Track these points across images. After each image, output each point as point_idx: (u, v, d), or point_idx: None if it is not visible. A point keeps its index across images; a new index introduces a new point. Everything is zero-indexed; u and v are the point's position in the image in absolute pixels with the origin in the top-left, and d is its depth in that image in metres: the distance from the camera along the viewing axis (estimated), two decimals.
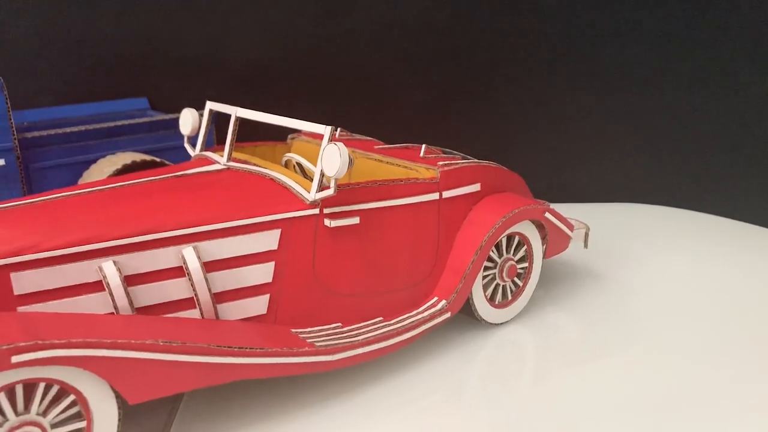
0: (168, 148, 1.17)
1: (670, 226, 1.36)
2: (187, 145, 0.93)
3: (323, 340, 0.72)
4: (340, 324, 0.77)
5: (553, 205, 0.97)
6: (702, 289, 1.06)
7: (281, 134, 1.01)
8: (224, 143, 0.84)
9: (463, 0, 1.38)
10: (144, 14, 1.38)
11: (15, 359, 0.50)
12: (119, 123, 1.11)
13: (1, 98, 0.98)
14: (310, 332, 0.74)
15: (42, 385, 0.54)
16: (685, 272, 1.12)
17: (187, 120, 0.91)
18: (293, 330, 0.73)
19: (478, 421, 0.72)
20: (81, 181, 1.08)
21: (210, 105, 0.90)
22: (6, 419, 0.53)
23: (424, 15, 1.39)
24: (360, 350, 0.73)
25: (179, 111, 1.29)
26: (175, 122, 1.18)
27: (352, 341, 0.73)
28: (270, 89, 1.44)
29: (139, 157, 1.07)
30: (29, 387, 0.53)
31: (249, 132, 0.95)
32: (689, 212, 1.43)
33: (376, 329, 0.77)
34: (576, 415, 0.73)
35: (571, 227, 0.97)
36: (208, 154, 0.86)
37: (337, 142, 0.69)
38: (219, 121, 1.01)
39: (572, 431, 0.71)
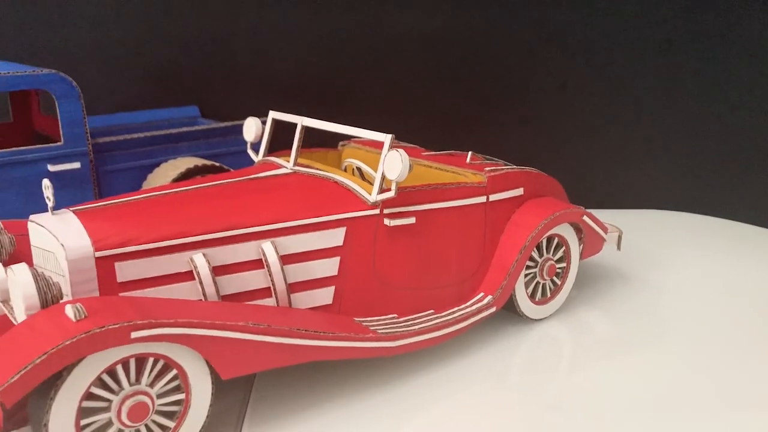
0: (223, 153, 1.25)
1: (701, 233, 1.40)
2: (250, 151, 1.00)
3: (383, 329, 0.79)
4: (395, 315, 0.84)
5: None
6: (732, 293, 1.10)
7: (328, 141, 1.08)
8: (282, 149, 0.92)
9: (497, 14, 1.45)
10: (194, 29, 1.47)
11: (134, 335, 0.57)
12: (181, 130, 1.19)
13: (78, 106, 1.07)
14: (370, 321, 0.81)
15: (151, 360, 0.61)
16: (715, 277, 1.17)
17: (251, 128, 0.98)
18: (356, 319, 0.80)
19: (521, 407, 0.79)
20: (145, 183, 1.16)
21: (272, 114, 0.98)
22: (122, 388, 0.60)
23: (458, 28, 1.46)
24: (416, 338, 0.80)
25: (227, 119, 1.39)
26: (229, 129, 1.26)
27: (408, 330, 0.80)
28: (311, 98, 1.52)
29: (199, 161, 1.15)
30: (140, 361, 0.61)
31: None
32: (720, 220, 1.47)
33: (428, 321, 0.84)
34: (607, 404, 0.79)
35: (605, 230, 1.04)
36: (272, 159, 0.94)
37: (398, 149, 0.76)
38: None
39: (603, 419, 0.76)
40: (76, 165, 1.06)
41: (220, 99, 1.51)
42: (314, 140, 1.04)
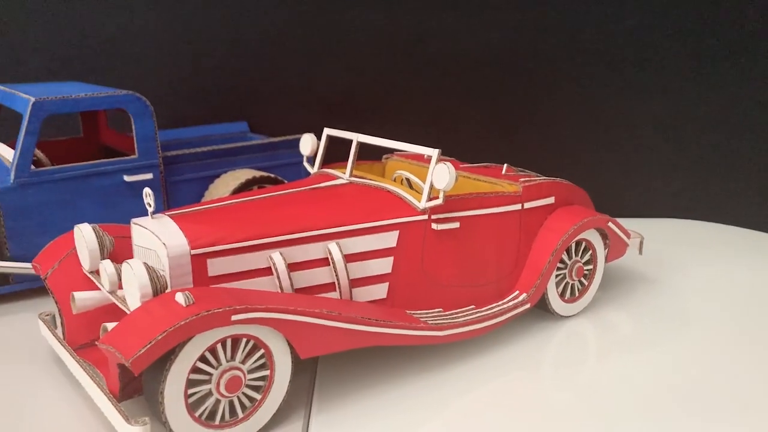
0: (275, 165, 1.36)
1: (719, 240, 1.48)
2: (306, 164, 1.11)
3: (430, 321, 0.90)
4: (441, 309, 0.94)
5: None
6: (748, 296, 1.17)
7: (365, 154, 1.18)
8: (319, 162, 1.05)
9: (520, 31, 1.55)
10: (243, 50, 1.59)
11: (233, 318, 0.68)
12: (239, 144, 1.31)
13: (151, 123, 1.19)
14: (419, 314, 0.91)
15: (244, 340, 0.72)
16: (732, 281, 1.24)
17: (307, 143, 1.10)
18: (407, 311, 0.90)
19: (551, 396, 0.87)
20: (207, 193, 1.28)
21: (327, 131, 1.09)
22: (220, 364, 0.71)
23: (486, 45, 1.56)
24: (460, 329, 0.91)
25: (275, 134, 1.50)
26: (281, 144, 1.37)
27: (453, 322, 0.91)
28: (350, 114, 1.63)
29: (257, 173, 1.27)
30: (235, 341, 0.72)
31: (338, 151, 1.14)
32: (739, 229, 1.55)
33: (470, 314, 0.94)
34: (629, 394, 0.87)
35: (628, 235, 1.14)
36: (329, 170, 1.05)
37: (446, 162, 0.87)
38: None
39: (626, 407, 0.84)
40: (149, 176, 1.18)
41: (267, 115, 1.63)
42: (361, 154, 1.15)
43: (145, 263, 0.73)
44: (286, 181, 1.29)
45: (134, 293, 0.72)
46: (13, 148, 1.18)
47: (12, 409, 0.82)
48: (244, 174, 1.26)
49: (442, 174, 0.87)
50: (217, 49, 1.59)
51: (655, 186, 1.62)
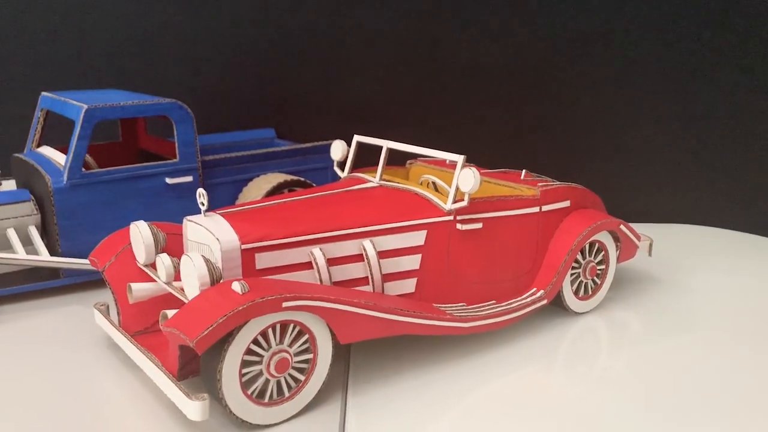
0: (303, 170, 1.44)
1: (726, 245, 1.53)
2: (336, 168, 1.19)
3: (456, 313, 0.97)
4: (464, 303, 1.02)
5: None
6: (756, 298, 1.21)
7: (393, 160, 1.25)
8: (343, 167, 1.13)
9: (535, 41, 1.63)
10: (269, 61, 1.67)
11: (284, 305, 0.76)
12: (270, 150, 1.39)
13: (192, 129, 1.27)
14: (444, 307, 0.99)
15: (291, 326, 0.80)
16: (739, 283, 1.29)
17: (338, 149, 1.17)
18: (434, 304, 0.98)
19: (565, 387, 0.93)
20: (241, 195, 1.36)
21: (357, 138, 1.17)
22: (270, 346, 0.79)
23: (503, 54, 1.64)
24: (482, 322, 0.98)
25: (299, 140, 1.58)
26: (309, 150, 1.45)
27: (476, 315, 0.98)
28: (370, 121, 1.71)
29: (288, 177, 1.34)
30: (283, 327, 0.79)
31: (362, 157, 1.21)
32: (746, 234, 1.60)
33: (491, 308, 1.02)
34: (639, 387, 0.92)
35: (638, 238, 1.21)
36: (358, 174, 1.13)
37: (471, 167, 0.95)
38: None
39: (635, 400, 0.89)
40: (189, 178, 1.26)
41: (291, 122, 1.71)
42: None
43: (203, 256, 0.81)
44: (314, 185, 1.37)
45: (194, 283, 0.79)
46: (62, 151, 1.27)
47: (72, 391, 0.89)
48: (275, 177, 1.34)
49: (467, 178, 0.94)
50: (246, 60, 1.67)
51: (664, 192, 1.69)
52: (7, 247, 1.17)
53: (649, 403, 0.89)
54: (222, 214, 0.90)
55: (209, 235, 0.85)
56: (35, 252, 1.17)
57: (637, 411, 0.87)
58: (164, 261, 0.87)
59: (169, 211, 1.24)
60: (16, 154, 1.35)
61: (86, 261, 1.15)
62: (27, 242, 1.19)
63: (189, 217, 0.90)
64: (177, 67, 1.65)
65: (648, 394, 0.91)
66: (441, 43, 1.65)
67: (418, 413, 0.85)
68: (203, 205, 0.88)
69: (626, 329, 1.12)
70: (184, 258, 0.81)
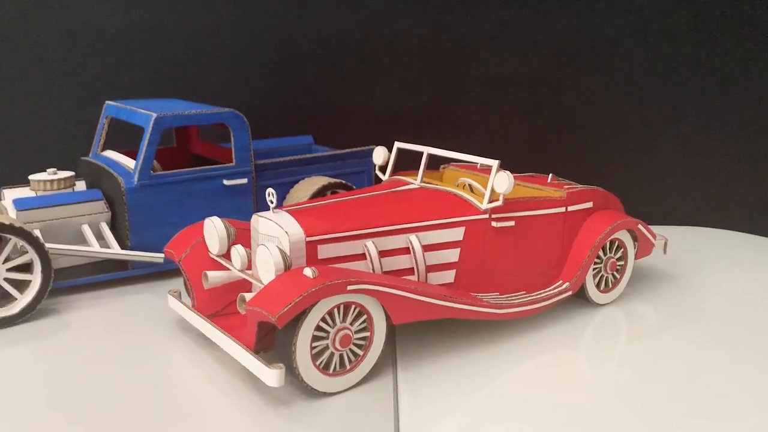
0: (343, 173, 1.56)
1: (740, 247, 1.62)
2: (378, 172, 1.31)
3: (491, 301, 1.09)
4: (498, 293, 1.13)
5: None
6: (765, 296, 1.29)
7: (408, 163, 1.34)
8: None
9: (559, 53, 1.74)
10: (308, 73, 1.79)
11: (349, 288, 0.88)
12: (315, 155, 1.51)
13: (247, 136, 1.39)
14: (480, 296, 1.10)
15: (353, 307, 0.92)
16: (752, 281, 1.37)
17: (379, 154, 1.29)
18: (471, 293, 1.10)
19: (587, 370, 1.02)
20: (288, 196, 1.48)
21: (398, 144, 1.29)
22: (335, 324, 0.91)
23: (530, 65, 1.75)
24: (515, 309, 1.09)
25: (338, 146, 1.70)
26: (348, 155, 1.57)
27: (509, 303, 1.10)
28: (400, 129, 1.83)
29: (331, 180, 1.46)
30: (346, 307, 0.91)
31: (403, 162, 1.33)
32: (761, 238, 1.68)
33: (522, 298, 1.13)
34: (654, 373, 1.01)
35: (654, 237, 1.32)
36: (400, 177, 1.25)
37: (505, 171, 1.07)
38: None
39: (651, 384, 0.97)
40: (244, 180, 1.39)
41: (331, 130, 1.83)
42: (416, 164, 1.34)
43: (277, 246, 0.93)
44: (354, 187, 1.49)
45: (269, 269, 0.91)
46: (127, 155, 1.40)
47: (152, 368, 1.02)
48: (319, 180, 1.46)
49: (503, 180, 1.06)
50: (284, 71, 1.80)
51: (679, 196, 1.78)
52: (82, 241, 1.30)
53: (663, 386, 0.98)
54: (288, 211, 1.02)
55: (278, 228, 0.97)
56: (107, 246, 1.30)
57: (652, 393, 0.96)
58: (239, 251, 0.99)
59: (226, 210, 1.36)
60: (84, 158, 1.48)
61: (154, 254, 1.28)
62: (98, 237, 1.31)
63: (259, 213, 1.02)
64: (218, 78, 1.78)
65: (662, 378, 1.00)
66: (468, 54, 1.76)
67: (459, 387, 0.96)
68: (272, 203, 1.00)
69: (643, 320, 1.22)
70: (260, 248, 0.93)
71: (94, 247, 1.27)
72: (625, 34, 1.70)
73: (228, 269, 1.04)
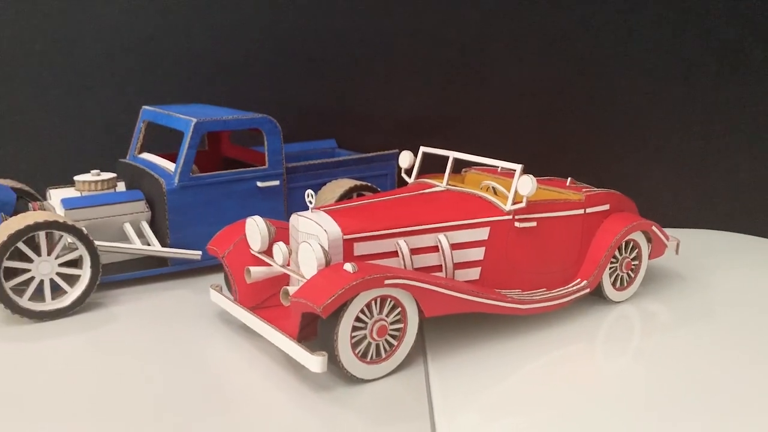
0: (367, 176, 1.63)
1: (751, 250, 1.68)
2: (404, 175, 1.38)
3: (515, 297, 1.16)
4: (520, 290, 1.20)
5: None
6: None
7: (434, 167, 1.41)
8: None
9: (577, 63, 1.81)
10: (331, 80, 1.87)
11: (386, 282, 0.95)
12: (342, 158, 1.59)
13: (279, 140, 1.47)
14: (504, 292, 1.17)
15: (388, 300, 0.99)
16: (759, 285, 1.43)
17: (405, 158, 1.36)
18: (495, 289, 1.17)
19: (602, 364, 1.08)
20: (316, 198, 1.55)
21: (423, 149, 1.36)
22: (372, 316, 0.98)
23: (547, 76, 1.82)
24: (537, 305, 1.16)
25: (360, 150, 1.77)
26: (372, 158, 1.64)
27: (531, 299, 1.17)
28: (419, 133, 1.90)
29: (357, 182, 1.54)
30: (382, 300, 0.98)
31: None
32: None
33: (543, 294, 1.20)
34: (666, 365, 1.07)
35: (667, 238, 1.38)
36: (425, 180, 1.32)
37: (528, 174, 1.13)
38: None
39: (663, 377, 1.03)
40: (276, 182, 1.46)
41: (353, 134, 1.91)
42: (436, 167, 1.41)
43: (319, 243, 1.00)
44: (379, 189, 1.56)
45: (312, 264, 0.99)
46: (165, 158, 1.47)
47: (197, 356, 1.09)
48: (346, 183, 1.53)
49: (526, 184, 1.13)
50: (308, 76, 1.87)
51: (691, 199, 1.85)
52: (124, 238, 1.38)
53: (674, 379, 1.03)
54: (325, 211, 1.09)
55: (317, 227, 1.04)
56: (147, 243, 1.38)
57: (663, 385, 1.01)
58: (281, 248, 1.07)
59: (258, 210, 1.43)
60: (122, 160, 1.56)
61: (192, 251, 1.36)
62: (139, 235, 1.39)
63: (298, 213, 1.10)
64: (244, 84, 1.85)
65: (674, 371, 1.06)
66: (487, 62, 1.84)
67: (485, 376, 1.03)
68: (311, 203, 1.07)
69: (655, 317, 1.28)
70: (303, 245, 1.00)
71: (137, 245, 1.34)
72: (642, 38, 1.77)
73: (268, 265, 1.11)
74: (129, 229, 1.37)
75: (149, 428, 0.88)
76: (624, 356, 1.12)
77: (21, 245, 1.16)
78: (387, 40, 1.84)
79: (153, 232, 1.39)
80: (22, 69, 1.78)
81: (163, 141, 1.59)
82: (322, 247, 0.99)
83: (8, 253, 1.14)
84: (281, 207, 1.49)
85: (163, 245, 1.38)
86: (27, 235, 1.15)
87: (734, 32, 1.74)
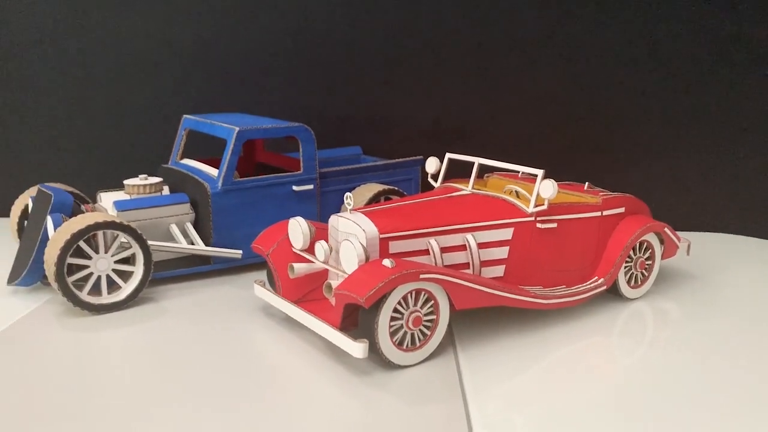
0: (393, 181, 1.72)
1: (761, 253, 1.74)
2: (430, 179, 1.48)
3: (537, 292, 1.25)
4: (541, 287, 1.29)
5: None
6: None
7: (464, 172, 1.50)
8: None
9: (591, 75, 1.91)
10: (353, 89, 1.96)
11: (421, 276, 1.04)
12: (369, 164, 1.68)
13: (313, 147, 1.57)
14: (527, 289, 1.26)
15: (423, 293, 1.08)
16: (766, 282, 1.52)
17: (432, 164, 1.45)
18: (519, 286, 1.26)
19: (618, 357, 1.14)
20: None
21: (449, 155, 1.45)
22: (408, 307, 1.07)
23: (566, 83, 1.91)
24: (557, 300, 1.25)
25: (385, 157, 1.87)
26: (398, 164, 1.73)
27: (551, 295, 1.26)
28: (439, 139, 1.99)
29: (385, 187, 1.63)
30: (417, 293, 1.08)
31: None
32: None
33: (562, 291, 1.29)
34: (678, 358, 1.14)
35: (679, 239, 1.47)
36: (451, 184, 1.41)
37: (550, 178, 1.22)
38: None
39: (675, 370, 1.09)
40: (310, 187, 1.56)
41: (377, 141, 2.00)
42: (457, 173, 1.50)
43: (359, 241, 1.10)
44: (405, 193, 1.66)
45: (353, 260, 1.08)
46: (206, 163, 1.57)
47: (245, 346, 1.19)
48: (375, 187, 1.62)
49: (547, 187, 1.22)
50: (334, 84, 1.97)
51: (702, 203, 1.93)
52: (170, 238, 1.48)
53: (685, 370, 1.11)
54: (362, 212, 1.19)
55: (356, 226, 1.14)
56: (192, 243, 1.48)
57: (676, 376, 1.08)
58: (323, 246, 1.17)
59: (294, 213, 1.53)
60: (164, 165, 1.66)
61: (234, 251, 1.46)
62: (184, 235, 1.49)
63: (338, 214, 1.19)
64: (271, 92, 1.95)
65: (684, 363, 1.13)
66: (506, 72, 1.93)
67: (510, 366, 1.12)
68: (349, 204, 1.17)
69: (667, 314, 1.36)
70: (345, 242, 1.10)
71: (183, 244, 1.44)
72: (653, 47, 1.85)
73: (310, 261, 1.21)
74: (175, 229, 1.47)
75: (206, 408, 0.97)
76: (638, 349, 1.19)
77: (81, 243, 1.26)
78: (409, 52, 1.94)
79: (197, 232, 1.50)
80: (65, 79, 1.90)
81: (196, 147, 1.70)
82: (361, 244, 1.09)
83: (71, 251, 1.24)
84: (315, 209, 1.58)
85: (206, 245, 1.48)
86: (88, 234, 1.26)
87: (734, 35, 1.81)
